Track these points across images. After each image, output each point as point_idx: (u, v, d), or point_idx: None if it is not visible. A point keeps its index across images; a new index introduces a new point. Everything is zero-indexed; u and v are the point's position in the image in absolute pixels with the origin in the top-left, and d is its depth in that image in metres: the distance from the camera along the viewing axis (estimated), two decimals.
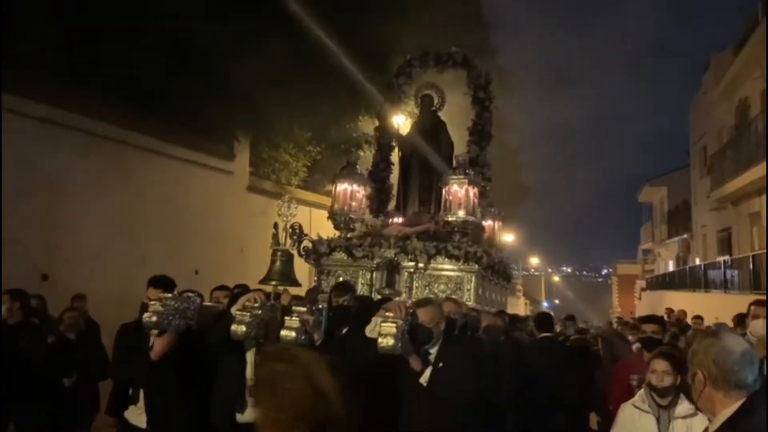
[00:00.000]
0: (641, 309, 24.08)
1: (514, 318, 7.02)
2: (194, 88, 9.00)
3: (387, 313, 3.20)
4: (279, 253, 3.48)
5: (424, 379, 3.29)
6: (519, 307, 30.59)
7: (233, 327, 3.21)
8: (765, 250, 10.21)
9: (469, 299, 6.33)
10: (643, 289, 27.30)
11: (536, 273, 51.39)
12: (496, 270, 7.46)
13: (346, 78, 10.37)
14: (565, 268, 67.69)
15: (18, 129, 7.63)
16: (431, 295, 5.99)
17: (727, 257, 15.00)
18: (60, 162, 8.10)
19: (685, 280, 18.23)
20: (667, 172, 26.43)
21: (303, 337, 3.19)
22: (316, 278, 7.31)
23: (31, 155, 7.78)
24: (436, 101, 8.24)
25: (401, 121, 9.21)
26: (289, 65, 9.76)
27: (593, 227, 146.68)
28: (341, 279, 6.51)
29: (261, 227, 9.70)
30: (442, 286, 6.48)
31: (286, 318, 3.23)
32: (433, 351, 3.36)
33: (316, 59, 9.92)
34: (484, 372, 3.74)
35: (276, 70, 9.53)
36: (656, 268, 29.15)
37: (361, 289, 6.57)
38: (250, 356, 3.44)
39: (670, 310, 11.61)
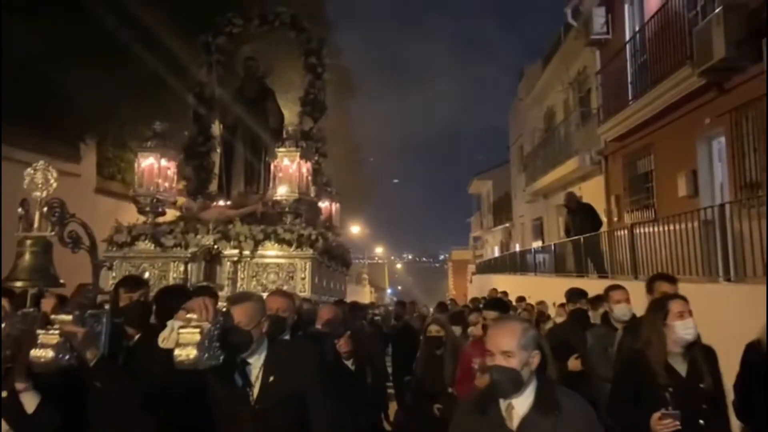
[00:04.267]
0: (472, 291, 25.57)
1: (354, 306, 6.34)
2: (39, 93, 8.27)
3: (188, 315, 2.24)
4: (29, 242, 2.33)
5: (251, 399, 2.42)
6: (365, 295, 31.07)
7: None
8: (565, 239, 11.29)
9: (304, 289, 5.43)
10: (473, 273, 29.17)
11: (380, 261, 52.52)
12: (335, 255, 6.62)
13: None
14: (406, 255, 70.24)
15: None
16: (259, 288, 5.07)
17: (539, 243, 16.68)
18: None
19: (506, 264, 19.72)
20: (493, 167, 28.54)
21: (66, 357, 2.20)
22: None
23: None
24: (262, 66, 7.03)
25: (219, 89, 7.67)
26: (134, 65, 8.73)
27: (432, 217, 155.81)
28: (147, 274, 5.23)
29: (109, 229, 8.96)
30: (272, 276, 5.51)
31: (40, 333, 2.20)
32: (253, 360, 2.44)
33: (165, 61, 8.86)
34: (329, 373, 3.05)
35: (122, 73, 8.72)
36: (485, 253, 31.27)
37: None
38: None
39: (494, 291, 12.31)
